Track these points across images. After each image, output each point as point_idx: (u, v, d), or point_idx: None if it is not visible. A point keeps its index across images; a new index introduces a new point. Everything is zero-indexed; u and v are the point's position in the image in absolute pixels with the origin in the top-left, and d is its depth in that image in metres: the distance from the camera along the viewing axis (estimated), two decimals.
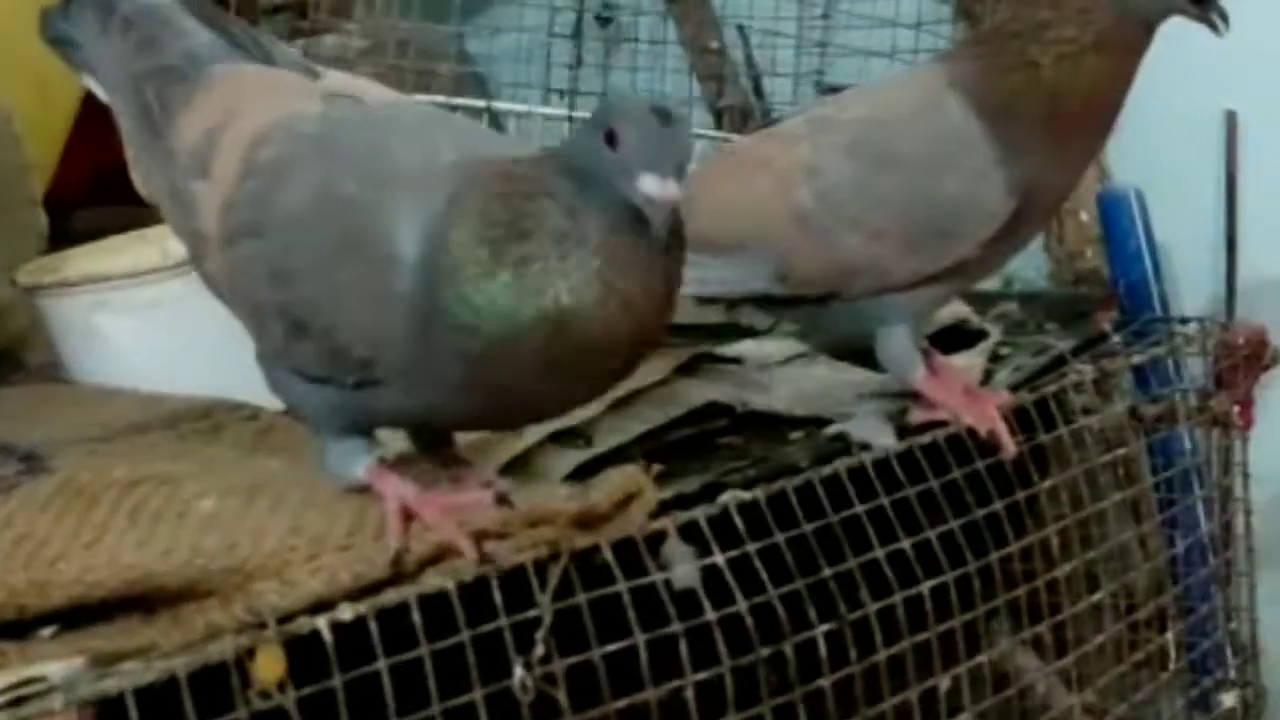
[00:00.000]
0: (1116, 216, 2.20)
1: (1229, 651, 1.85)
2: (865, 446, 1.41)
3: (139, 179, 1.26)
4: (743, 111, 2.38)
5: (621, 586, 1.14)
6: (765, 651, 1.20)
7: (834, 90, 1.90)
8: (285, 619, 1.04)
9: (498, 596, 1.09)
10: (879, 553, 1.31)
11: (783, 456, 1.41)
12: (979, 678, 1.43)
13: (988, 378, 1.63)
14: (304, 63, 1.26)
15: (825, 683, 1.24)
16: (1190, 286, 2.31)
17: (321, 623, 1.03)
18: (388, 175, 1.10)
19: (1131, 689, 1.67)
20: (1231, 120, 2.31)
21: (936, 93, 1.40)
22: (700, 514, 1.22)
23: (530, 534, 1.12)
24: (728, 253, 1.45)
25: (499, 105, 2.21)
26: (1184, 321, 1.87)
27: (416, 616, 1.06)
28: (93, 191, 2.06)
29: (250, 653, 1.01)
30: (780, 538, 1.25)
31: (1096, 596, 1.55)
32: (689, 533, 1.21)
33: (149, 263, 1.54)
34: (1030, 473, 1.50)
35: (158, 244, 1.55)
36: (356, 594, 1.08)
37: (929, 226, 1.40)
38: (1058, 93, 1.36)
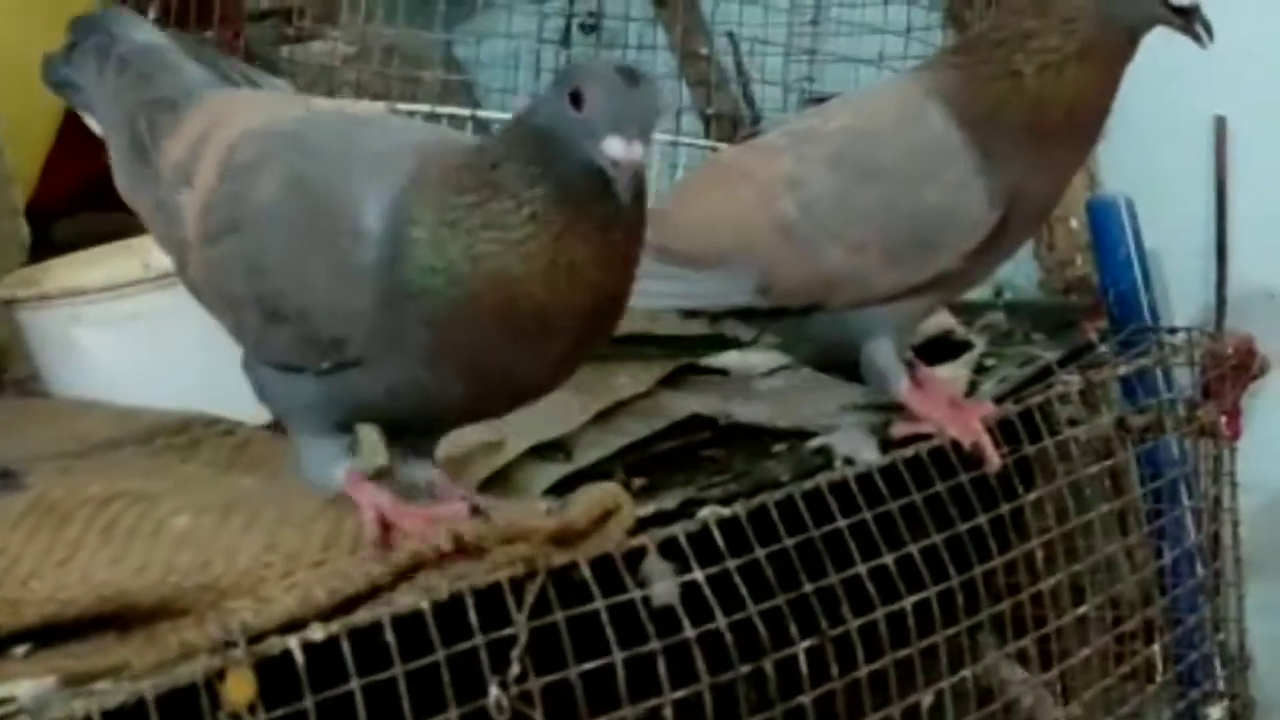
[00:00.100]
0: (1106, 223, 2.18)
1: (1217, 663, 1.83)
2: (849, 460, 1.40)
3: (128, 198, 1.28)
4: (732, 118, 2.37)
5: (599, 604, 1.13)
6: (745, 668, 1.19)
7: (818, 101, 1.89)
8: (258, 638, 1.03)
9: (473, 615, 1.08)
10: (861, 568, 1.30)
11: (765, 470, 1.40)
12: (963, 692, 1.42)
13: (973, 389, 1.62)
14: (296, 93, 1.29)
15: (806, 699, 1.24)
16: (1180, 293, 2.30)
17: (293, 643, 1.02)
18: (352, 159, 1.13)
19: (1118, 701, 1.66)
20: (1221, 125, 2.30)
21: (918, 103, 1.39)
22: (679, 530, 1.21)
23: (506, 551, 1.11)
24: (711, 265, 1.44)
25: (486, 114, 2.20)
26: (1171, 331, 1.85)
27: (390, 636, 1.05)
28: (77, 200, 2.06)
29: (221, 674, 1.00)
30: (761, 553, 1.24)
31: (1083, 609, 1.54)
32: (668, 549, 1.20)
33: (128, 275, 1.53)
34: (1015, 485, 1.49)
35: (139, 255, 1.54)
36: (331, 611, 1.08)
37: (911, 238, 1.40)
38: (1041, 102, 1.36)
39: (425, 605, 1.07)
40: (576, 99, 1.04)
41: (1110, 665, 1.62)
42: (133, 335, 1.52)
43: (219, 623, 1.06)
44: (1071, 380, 1.60)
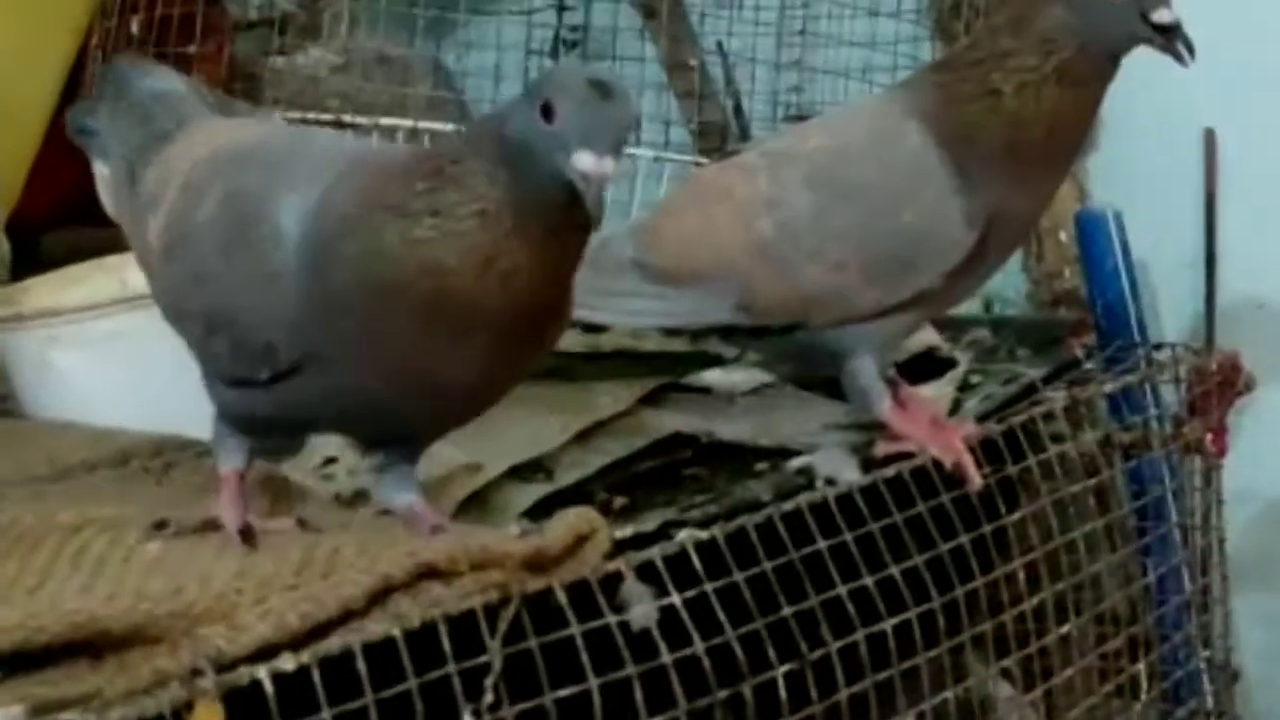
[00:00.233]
0: (1094, 236, 2.18)
1: (1205, 680, 1.83)
2: (830, 480, 1.39)
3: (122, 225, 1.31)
4: (721, 129, 2.36)
5: (575, 630, 1.12)
6: (723, 694, 1.19)
7: (799, 119, 1.88)
8: (228, 667, 1.02)
9: (446, 642, 1.07)
10: (841, 589, 1.29)
11: (745, 491, 1.39)
12: (945, 714, 1.41)
13: (957, 406, 1.61)
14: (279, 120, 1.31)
15: None
16: (1170, 305, 2.30)
17: (262, 672, 1.01)
18: (278, 170, 1.15)
19: (1104, 719, 1.65)
20: (1210, 138, 2.30)
21: (896, 122, 1.39)
22: (657, 553, 1.20)
23: (479, 577, 1.10)
24: (691, 283, 1.44)
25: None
26: (1157, 347, 1.85)
27: (362, 664, 1.04)
28: (63, 213, 2.05)
29: (189, 705, 0.99)
30: (739, 576, 1.23)
31: (1066, 628, 1.53)
32: (647, 571, 1.19)
33: (105, 295, 1.52)
34: (998, 504, 1.48)
35: (117, 274, 1.53)
36: (305, 636, 1.07)
37: (889, 257, 1.39)
38: (1019, 122, 1.35)
39: (397, 633, 1.06)
40: (547, 111, 1.03)
41: (1094, 683, 1.61)
42: (109, 356, 1.51)
43: (192, 650, 1.05)
44: (1056, 398, 1.60)
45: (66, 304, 1.55)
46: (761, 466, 1.48)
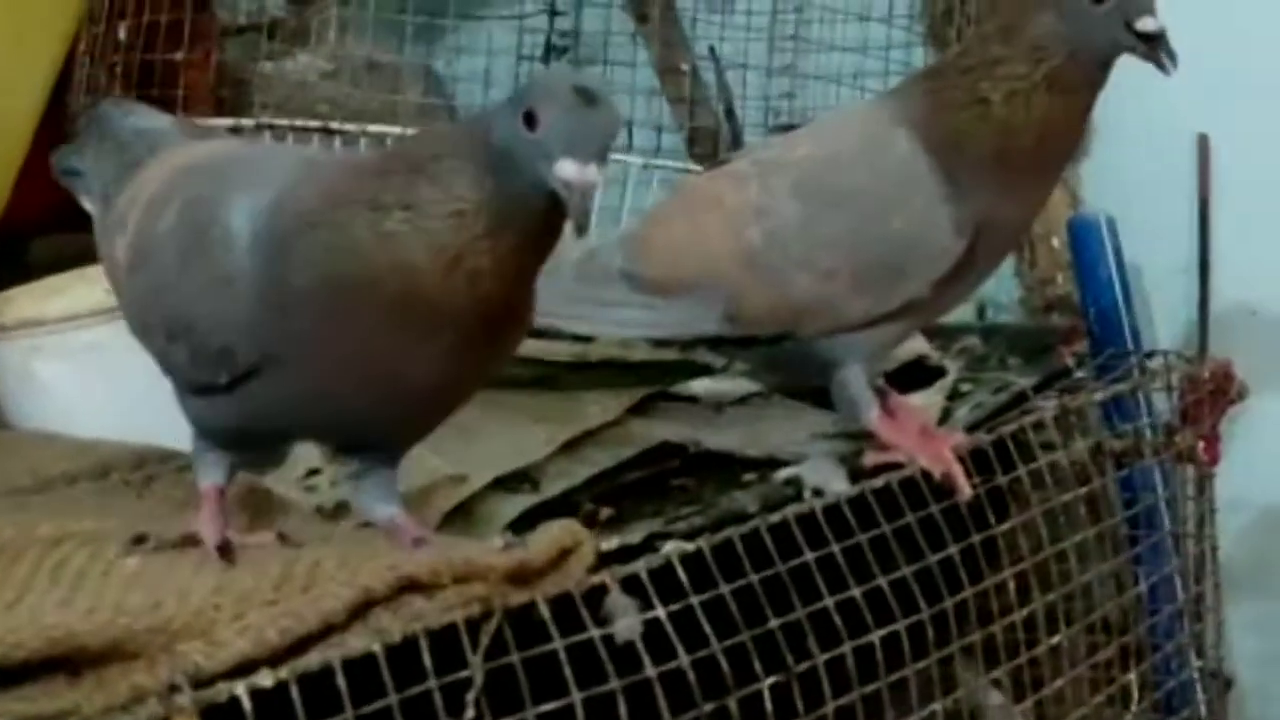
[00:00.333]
0: (1087, 242, 2.17)
1: (1199, 689, 1.82)
2: (818, 491, 1.38)
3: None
4: (713, 135, 2.35)
5: (558, 644, 1.11)
6: (708, 707, 1.18)
7: (788, 128, 1.87)
8: (206, 682, 1.01)
9: (427, 657, 1.06)
10: (829, 601, 1.28)
11: (732, 502, 1.38)
12: None
13: (947, 415, 1.60)
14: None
15: None
16: (1163, 311, 2.30)
17: (240, 689, 1.00)
18: (233, 177, 1.16)
19: None
20: (1204, 143, 2.29)
21: (885, 130, 1.38)
22: (642, 566, 1.19)
23: (461, 590, 1.09)
24: (679, 293, 1.43)
25: None
26: (1149, 355, 1.84)
27: (341, 679, 1.03)
28: (52, 218, 2.04)
29: None
30: (725, 589, 1.22)
31: (1056, 639, 1.52)
32: (632, 583, 1.18)
33: (87, 305, 1.52)
34: (988, 515, 1.47)
35: (99, 284, 1.52)
36: (285, 651, 1.06)
37: (879, 265, 1.38)
38: (1008, 130, 1.34)
39: (377, 648, 1.06)
40: (530, 118, 1.02)
41: (1084, 693, 1.60)
42: (93, 367, 1.51)
43: (170, 666, 1.04)
44: (1046, 407, 1.59)
45: (49, 314, 1.55)
46: (749, 477, 1.47)
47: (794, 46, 2.31)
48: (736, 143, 2.27)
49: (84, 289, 1.56)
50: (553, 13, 2.42)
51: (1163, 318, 2.29)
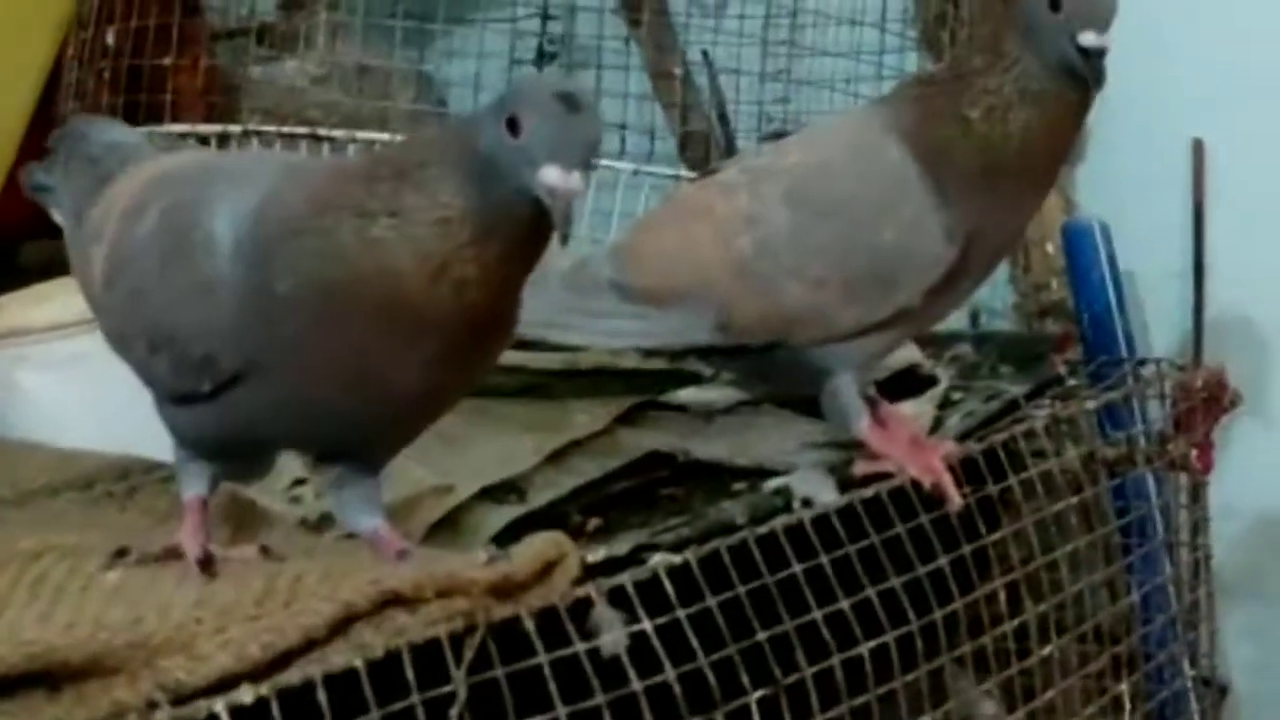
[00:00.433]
0: (1081, 247, 2.17)
1: (1193, 698, 1.81)
2: (807, 502, 1.37)
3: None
4: (705, 140, 2.35)
5: (543, 658, 1.10)
6: None
7: (778, 136, 1.87)
8: (186, 699, 1.00)
9: (409, 672, 1.05)
10: (817, 614, 1.27)
11: (720, 513, 1.37)
12: None
13: (938, 424, 1.59)
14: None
15: None
16: (1157, 317, 2.29)
17: (220, 705, 0.99)
18: (211, 184, 1.14)
19: None
20: (1198, 148, 2.28)
21: (876, 138, 1.37)
22: (628, 579, 1.18)
23: (444, 605, 1.08)
24: (669, 303, 1.42)
25: None
26: (1142, 363, 1.83)
27: (322, 695, 1.02)
28: (42, 222, 2.03)
29: None
30: (713, 601, 1.21)
31: (1049, 647, 1.51)
32: (619, 595, 1.17)
33: (73, 314, 1.50)
34: (978, 524, 1.46)
35: None
36: (266, 666, 1.05)
37: (869, 274, 1.37)
38: (989, 146, 1.33)
39: (359, 663, 1.04)
40: (513, 125, 1.02)
41: (1079, 703, 1.59)
42: (77, 377, 1.50)
43: (151, 681, 1.03)
44: (1038, 415, 1.58)
45: (34, 323, 1.54)
46: (739, 486, 1.46)
47: (787, 51, 2.31)
48: (729, 148, 2.26)
49: (70, 297, 1.54)
50: (545, 17, 2.41)
51: (1157, 323, 2.28)
